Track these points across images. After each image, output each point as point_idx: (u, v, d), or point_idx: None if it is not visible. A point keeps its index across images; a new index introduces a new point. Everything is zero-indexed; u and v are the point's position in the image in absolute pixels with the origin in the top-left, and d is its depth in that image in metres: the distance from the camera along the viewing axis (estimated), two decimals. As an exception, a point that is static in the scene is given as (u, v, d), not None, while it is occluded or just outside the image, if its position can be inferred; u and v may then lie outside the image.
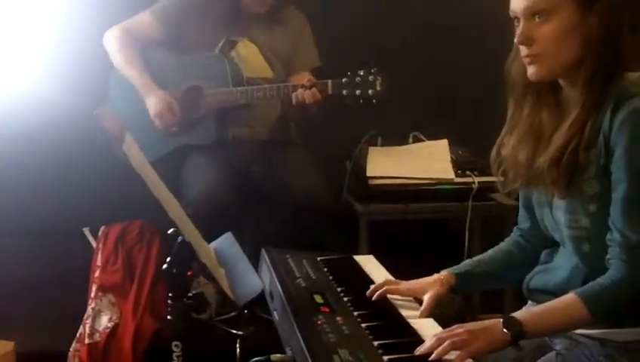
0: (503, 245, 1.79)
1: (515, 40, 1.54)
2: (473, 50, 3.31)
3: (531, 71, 1.53)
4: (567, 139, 1.49)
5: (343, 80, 2.67)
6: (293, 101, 2.70)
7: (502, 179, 1.66)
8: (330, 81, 2.69)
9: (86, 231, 2.87)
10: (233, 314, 2.86)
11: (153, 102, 2.83)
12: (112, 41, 2.94)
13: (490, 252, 1.79)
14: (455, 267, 1.74)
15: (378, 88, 2.63)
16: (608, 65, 1.48)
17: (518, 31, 1.52)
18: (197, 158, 2.81)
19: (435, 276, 1.72)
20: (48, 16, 3.24)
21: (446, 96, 3.38)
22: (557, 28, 1.48)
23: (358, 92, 2.65)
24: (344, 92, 2.66)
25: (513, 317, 1.42)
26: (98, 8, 3.13)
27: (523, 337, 1.40)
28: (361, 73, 2.65)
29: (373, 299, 1.65)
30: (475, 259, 1.77)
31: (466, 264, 1.75)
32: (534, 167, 1.55)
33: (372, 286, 1.70)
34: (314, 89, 2.67)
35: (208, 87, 2.84)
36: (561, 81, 1.56)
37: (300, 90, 2.68)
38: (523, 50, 1.53)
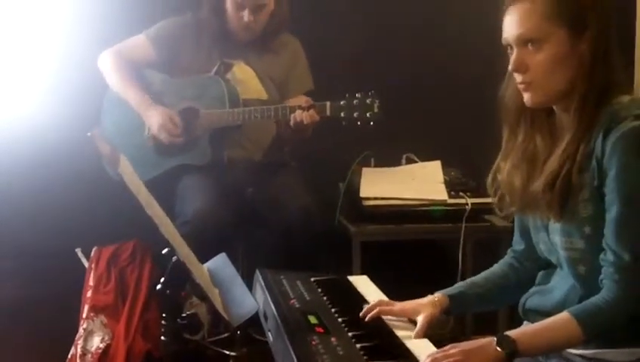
0: (497, 267, 1.79)
1: (509, 67, 1.56)
2: (466, 72, 3.33)
3: (527, 97, 1.55)
4: (560, 163, 1.50)
5: (341, 102, 2.69)
6: (291, 122, 2.72)
7: (498, 203, 1.67)
8: (328, 103, 2.71)
9: (78, 251, 2.86)
10: (226, 335, 2.86)
11: (154, 117, 2.83)
12: (106, 63, 2.95)
13: (483, 274, 1.79)
14: (448, 289, 1.75)
15: (375, 110, 2.66)
16: (600, 90, 1.50)
17: (512, 59, 1.54)
18: (191, 178, 2.81)
19: (429, 297, 1.72)
20: (45, 40, 3.26)
21: (439, 118, 3.41)
22: (549, 55, 1.50)
23: (355, 114, 2.67)
24: (342, 114, 2.69)
25: (507, 336, 1.42)
26: (95, 31, 3.15)
27: (517, 355, 1.41)
28: (359, 96, 2.68)
29: (367, 319, 1.65)
30: (469, 280, 1.78)
31: (460, 286, 1.76)
32: (529, 192, 1.57)
33: (365, 307, 1.70)
34: (312, 110, 2.69)
35: (205, 108, 2.85)
36: (554, 107, 1.58)
37: (298, 112, 2.70)
38: (517, 77, 1.55)
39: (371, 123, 2.67)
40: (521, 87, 1.56)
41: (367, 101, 2.67)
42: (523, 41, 1.52)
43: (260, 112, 2.77)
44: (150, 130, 2.87)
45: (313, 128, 2.79)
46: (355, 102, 2.68)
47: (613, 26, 1.54)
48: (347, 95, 2.69)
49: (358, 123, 2.68)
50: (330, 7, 3.36)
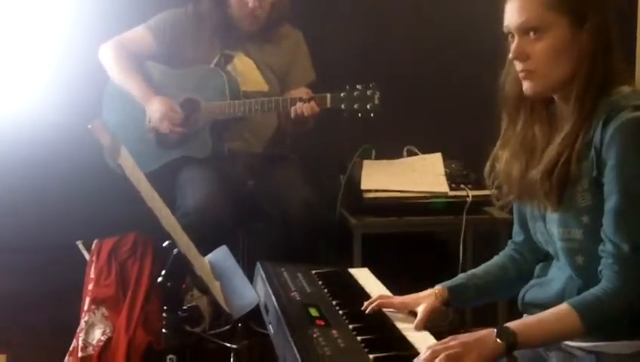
0: (497, 259, 1.79)
1: (510, 55, 1.55)
2: (466, 64, 3.33)
3: (526, 86, 1.55)
4: (559, 152, 1.50)
5: (342, 94, 2.69)
6: (292, 114, 2.72)
7: (496, 192, 1.67)
8: (328, 95, 2.71)
9: (79, 244, 2.86)
10: (227, 327, 2.86)
11: (156, 106, 2.83)
12: (107, 54, 2.95)
13: (483, 266, 1.79)
14: (448, 281, 1.75)
15: (376, 102, 2.66)
16: (600, 80, 1.49)
17: (513, 47, 1.54)
18: (192, 171, 2.81)
19: (429, 290, 1.73)
20: (45, 33, 3.25)
21: (439, 110, 3.40)
22: (550, 45, 1.50)
23: (356, 106, 2.68)
24: (342, 105, 2.69)
25: (507, 327, 1.42)
26: (95, 24, 3.14)
27: (517, 347, 1.40)
28: (359, 87, 2.68)
29: (367, 312, 1.66)
30: (469, 272, 1.78)
31: (459, 278, 1.76)
32: (527, 180, 1.57)
33: (366, 303, 1.70)
34: (312, 102, 2.69)
35: (205, 99, 2.85)
36: (554, 96, 1.57)
37: (298, 103, 2.70)
38: (518, 65, 1.55)
39: (372, 115, 2.67)
40: (521, 75, 1.55)
41: (368, 93, 2.67)
42: (524, 30, 1.51)
43: (261, 104, 2.77)
44: (151, 121, 2.87)
45: (314, 120, 2.79)
46: (355, 93, 2.68)
47: (614, 17, 1.53)
48: (348, 87, 2.69)
49: (359, 115, 2.68)
50: (332, 2, 3.35)
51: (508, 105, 1.63)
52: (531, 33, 1.51)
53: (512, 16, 1.53)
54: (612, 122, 1.44)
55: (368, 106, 2.67)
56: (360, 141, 3.09)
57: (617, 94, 1.49)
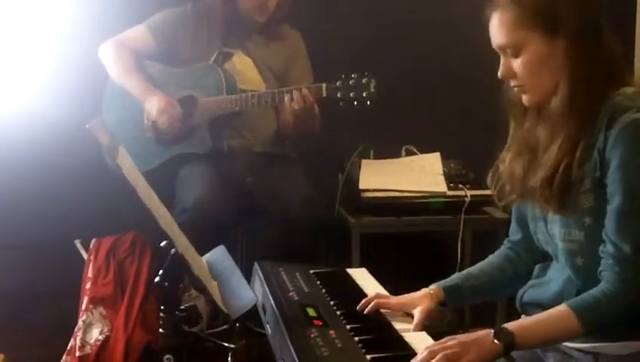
0: (493, 259, 1.79)
1: (498, 75, 1.58)
2: (466, 64, 3.33)
3: (524, 99, 1.57)
4: (558, 158, 1.50)
5: (337, 83, 2.70)
6: (287, 104, 2.72)
7: (498, 193, 1.67)
8: (324, 85, 2.72)
9: (77, 243, 2.86)
10: (225, 327, 2.86)
11: (155, 102, 2.82)
12: (107, 53, 2.96)
13: (479, 265, 1.79)
14: (444, 281, 1.75)
15: (372, 90, 2.66)
16: (590, 85, 1.48)
17: (500, 66, 1.57)
18: (191, 168, 2.81)
19: (425, 290, 1.73)
20: (44, 31, 3.25)
21: (438, 110, 3.40)
22: (529, 60, 1.51)
23: (352, 94, 2.68)
24: (338, 94, 2.69)
25: (505, 328, 1.42)
26: (94, 23, 3.14)
27: (514, 348, 1.40)
28: (354, 76, 2.68)
29: (365, 312, 1.65)
30: (465, 272, 1.78)
31: (455, 277, 1.76)
32: (529, 184, 1.57)
33: (363, 301, 1.70)
34: (305, 90, 2.69)
35: (203, 96, 2.85)
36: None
37: (294, 93, 2.70)
38: (511, 81, 1.57)
39: (368, 102, 2.67)
40: (516, 90, 1.58)
41: (363, 81, 2.67)
42: (503, 50, 1.55)
43: (257, 98, 2.78)
44: (149, 116, 2.86)
45: (316, 120, 2.79)
46: (351, 82, 2.68)
47: (597, 18, 1.51)
48: (343, 76, 2.69)
49: (355, 103, 2.68)
50: (332, 2, 3.35)
51: (515, 110, 1.64)
52: (509, 52, 1.53)
53: (492, 37, 1.57)
54: (616, 123, 1.43)
55: (364, 94, 2.67)
56: (358, 140, 3.09)
57: (620, 95, 1.48)
